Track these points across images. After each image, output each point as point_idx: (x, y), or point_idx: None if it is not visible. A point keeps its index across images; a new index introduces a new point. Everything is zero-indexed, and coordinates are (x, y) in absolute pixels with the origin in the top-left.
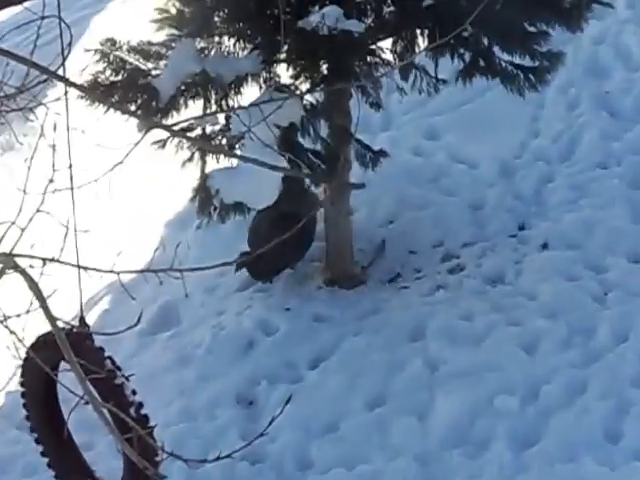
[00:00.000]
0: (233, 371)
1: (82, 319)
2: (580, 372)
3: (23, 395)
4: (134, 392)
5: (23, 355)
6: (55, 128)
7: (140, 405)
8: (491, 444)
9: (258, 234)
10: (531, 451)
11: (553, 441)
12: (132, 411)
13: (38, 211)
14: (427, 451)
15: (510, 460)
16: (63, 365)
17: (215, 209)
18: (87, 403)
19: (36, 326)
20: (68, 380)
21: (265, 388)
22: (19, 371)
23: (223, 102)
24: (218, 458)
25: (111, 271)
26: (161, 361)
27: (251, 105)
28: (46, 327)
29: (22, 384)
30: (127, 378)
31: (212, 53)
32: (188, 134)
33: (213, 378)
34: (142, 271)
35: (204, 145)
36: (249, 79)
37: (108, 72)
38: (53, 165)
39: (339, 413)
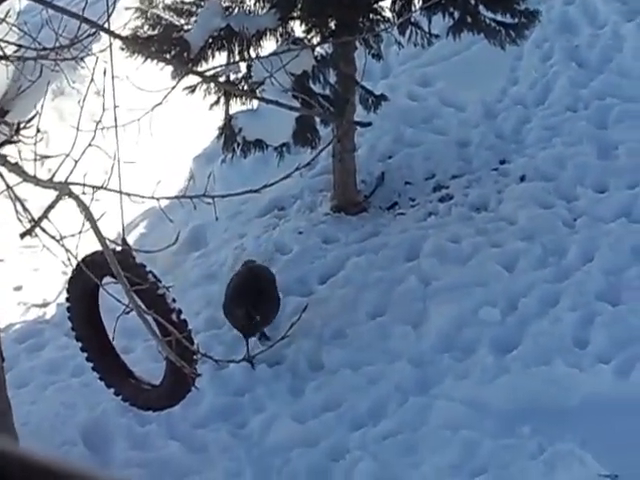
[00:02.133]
0: None
1: (124, 239)
2: (553, 287)
3: (69, 309)
4: (174, 300)
5: (70, 274)
6: (105, 73)
7: (180, 311)
8: (476, 349)
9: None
10: (510, 355)
11: (529, 347)
12: (174, 317)
13: (90, 145)
14: (421, 355)
15: (492, 363)
16: (108, 280)
17: (238, 145)
18: (129, 312)
19: (84, 247)
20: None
21: (281, 300)
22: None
23: (245, 53)
24: (243, 359)
25: (152, 197)
26: (191, 277)
27: (270, 55)
28: (92, 248)
29: (68, 299)
30: (167, 289)
31: (236, 11)
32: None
33: None
34: (179, 197)
35: (231, 89)
36: (268, 33)
37: (146, 27)
38: (103, 106)
39: (345, 322)
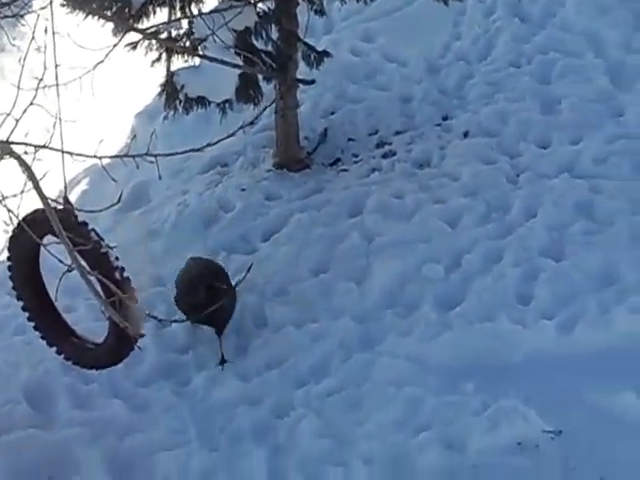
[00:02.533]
0: (196, 243)
1: (66, 198)
2: (496, 243)
3: (10, 268)
4: (117, 258)
5: (11, 233)
6: (46, 31)
7: (123, 269)
8: (419, 305)
9: (184, 280)
10: (454, 312)
11: (473, 303)
12: (117, 274)
13: (31, 104)
14: (364, 312)
15: (435, 319)
16: (50, 239)
17: (180, 102)
18: (71, 270)
19: (26, 207)
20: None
21: (224, 258)
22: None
23: (187, 9)
24: (187, 319)
25: (94, 156)
26: (133, 235)
27: (212, 12)
28: (34, 207)
29: (9, 258)
30: (110, 247)
31: None
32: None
33: (178, 249)
34: (122, 156)
35: (173, 46)
36: None
37: None
38: (44, 63)
39: (288, 279)
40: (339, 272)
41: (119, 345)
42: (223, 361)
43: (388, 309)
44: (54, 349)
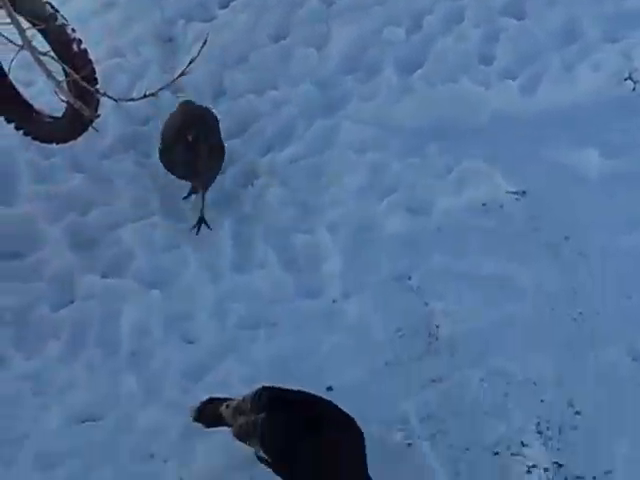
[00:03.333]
0: (153, 12)
1: None
2: (456, 3)
3: None
4: (74, 30)
5: None
6: None
7: (80, 41)
8: (380, 69)
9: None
10: (415, 74)
11: (435, 65)
12: (74, 47)
13: None
14: (325, 77)
15: (397, 83)
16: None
17: None
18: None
19: None
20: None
21: (182, 26)
22: None
23: None
24: (144, 96)
25: None
26: (89, 6)
27: None
28: None
29: None
30: (66, 20)
31: None
32: None
33: (136, 19)
34: None
35: None
36: None
37: None
38: None
39: (247, 46)
40: (298, 38)
41: (78, 119)
42: (201, 221)
43: (349, 74)
44: (12, 125)
